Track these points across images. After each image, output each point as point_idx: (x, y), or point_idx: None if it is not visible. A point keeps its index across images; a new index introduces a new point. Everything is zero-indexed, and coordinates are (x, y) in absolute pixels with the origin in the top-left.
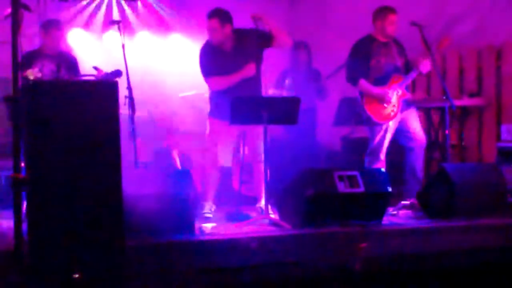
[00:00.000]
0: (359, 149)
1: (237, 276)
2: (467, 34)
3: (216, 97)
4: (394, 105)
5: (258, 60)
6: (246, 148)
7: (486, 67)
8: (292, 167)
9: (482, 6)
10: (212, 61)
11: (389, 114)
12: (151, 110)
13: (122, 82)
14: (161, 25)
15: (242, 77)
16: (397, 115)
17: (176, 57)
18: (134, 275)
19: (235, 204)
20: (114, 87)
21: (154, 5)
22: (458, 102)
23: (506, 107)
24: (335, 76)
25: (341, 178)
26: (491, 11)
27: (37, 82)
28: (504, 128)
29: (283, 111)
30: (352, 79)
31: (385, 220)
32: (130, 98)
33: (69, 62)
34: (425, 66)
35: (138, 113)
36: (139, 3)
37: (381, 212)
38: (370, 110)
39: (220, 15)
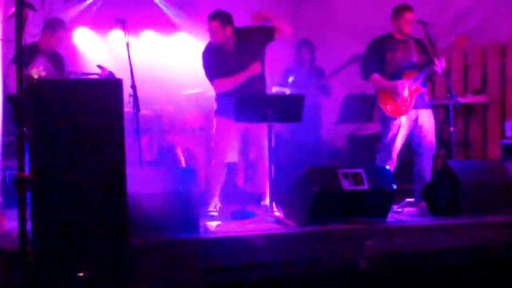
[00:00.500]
0: (364, 146)
1: (242, 274)
2: (471, 31)
3: (222, 95)
4: (405, 100)
5: (262, 57)
6: (252, 146)
7: (490, 65)
8: (296, 165)
9: (486, 4)
10: (216, 63)
11: (401, 108)
12: (155, 109)
13: (126, 81)
14: (166, 24)
15: (248, 76)
16: (410, 111)
17: (181, 55)
18: (139, 274)
19: (240, 202)
20: (118, 85)
21: (159, 3)
22: (462, 100)
23: (510, 104)
24: (338, 73)
25: (345, 175)
26: (495, 8)
27: (41, 81)
28: (508, 125)
29: (288, 109)
30: (365, 74)
31: (390, 217)
32: (135, 96)
33: (58, 60)
34: (440, 64)
35: (142, 112)
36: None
37: (386, 210)
38: (382, 104)
39: (221, 17)
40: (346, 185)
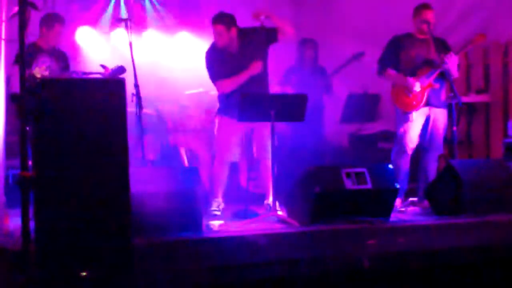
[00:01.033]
0: (367, 145)
1: (245, 273)
2: (474, 30)
3: (224, 95)
4: (417, 95)
5: (264, 57)
6: (255, 145)
7: (493, 64)
8: (299, 164)
9: (489, 3)
10: (219, 64)
11: (412, 103)
12: (158, 108)
13: (129, 80)
14: (169, 23)
15: (249, 76)
16: (422, 108)
17: (183, 55)
18: (142, 273)
19: (243, 201)
20: (121, 85)
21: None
22: (465, 99)
23: None
24: (341, 72)
25: (348, 174)
26: (497, 8)
27: (44, 80)
28: (511, 124)
29: (291, 108)
30: (380, 70)
31: (393, 216)
32: (138, 96)
33: (62, 58)
34: (451, 58)
35: (145, 111)
36: (146, 1)
37: (389, 209)
38: (395, 98)
39: (225, 20)
40: (349, 184)
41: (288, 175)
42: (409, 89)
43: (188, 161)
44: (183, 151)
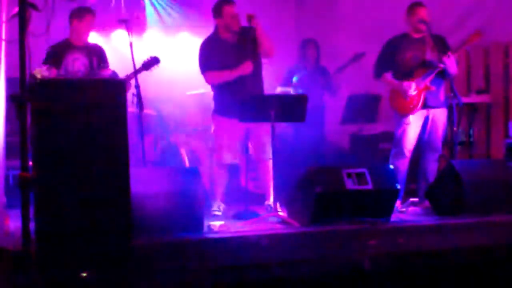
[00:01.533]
0: (367, 146)
1: (246, 274)
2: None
3: (220, 94)
4: (413, 98)
5: (258, 58)
6: (252, 145)
7: (494, 64)
8: (300, 164)
9: (489, 3)
10: (214, 54)
11: (409, 106)
12: (159, 108)
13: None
14: (170, 24)
15: (239, 75)
16: (418, 109)
17: (184, 55)
18: (142, 274)
19: (243, 202)
20: (122, 85)
21: (163, 3)
22: (466, 99)
23: None
24: (342, 72)
25: (349, 175)
26: (498, 8)
27: (44, 81)
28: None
29: (291, 109)
30: (377, 73)
31: (394, 217)
32: (138, 96)
33: (99, 54)
34: (448, 60)
35: (146, 111)
36: (147, 2)
37: (390, 209)
38: (392, 102)
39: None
40: (350, 184)
41: (289, 176)
42: (404, 93)
43: (189, 162)
44: (183, 152)
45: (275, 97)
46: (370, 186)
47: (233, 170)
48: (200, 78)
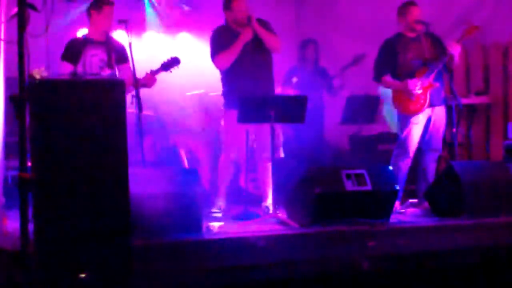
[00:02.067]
0: (367, 147)
1: (245, 275)
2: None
3: (230, 88)
4: (420, 97)
5: (267, 52)
6: (255, 145)
7: (493, 65)
8: (299, 165)
9: (489, 4)
10: (225, 41)
11: (416, 106)
12: (158, 109)
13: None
14: (169, 24)
15: (243, 43)
16: (426, 108)
17: (184, 56)
18: (141, 275)
19: (243, 202)
20: (121, 86)
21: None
22: (465, 101)
23: None
24: (342, 74)
25: (348, 176)
26: (498, 9)
27: (43, 81)
28: (511, 126)
29: (291, 109)
30: (377, 76)
31: (393, 218)
32: (137, 97)
33: (119, 50)
34: (454, 48)
35: (145, 112)
36: (147, 2)
37: (389, 210)
38: (397, 104)
39: None
40: (349, 185)
41: (288, 176)
42: (410, 93)
43: (188, 162)
44: (183, 152)
45: (274, 98)
46: (369, 187)
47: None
48: (200, 78)
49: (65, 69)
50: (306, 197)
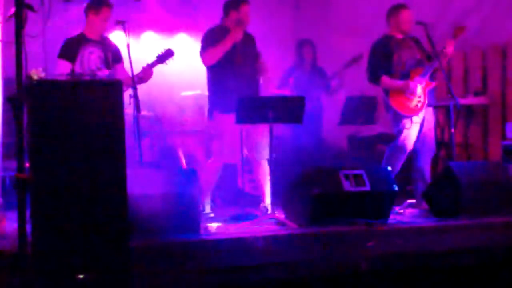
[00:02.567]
0: (365, 147)
1: (243, 275)
2: (471, 33)
3: (218, 91)
4: (420, 96)
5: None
6: (247, 146)
7: (491, 66)
8: (298, 166)
9: (486, 5)
10: (218, 38)
11: (416, 105)
12: (156, 110)
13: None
14: (167, 25)
15: (232, 42)
16: (424, 107)
17: (181, 57)
18: (139, 276)
19: (241, 203)
20: (118, 86)
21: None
22: (463, 101)
23: (511, 106)
24: (340, 75)
25: (347, 177)
26: (495, 10)
27: (41, 82)
28: (509, 126)
29: (289, 110)
30: (374, 78)
31: (391, 218)
32: (135, 97)
33: (114, 50)
34: (449, 45)
35: (143, 113)
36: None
37: (387, 211)
38: (396, 104)
39: None
40: (348, 186)
41: (287, 177)
42: (411, 93)
43: (186, 163)
44: (180, 153)
45: (272, 99)
46: (367, 188)
47: (231, 171)
48: (197, 79)
49: (62, 68)
50: (305, 198)
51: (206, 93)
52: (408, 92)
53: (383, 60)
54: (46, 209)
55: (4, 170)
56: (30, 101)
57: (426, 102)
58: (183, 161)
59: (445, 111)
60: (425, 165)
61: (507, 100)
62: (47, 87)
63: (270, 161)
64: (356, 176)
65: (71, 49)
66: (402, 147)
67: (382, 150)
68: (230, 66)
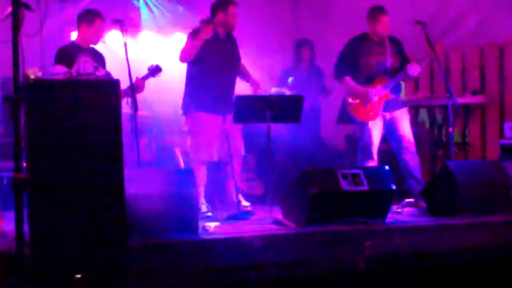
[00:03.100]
0: None
1: (241, 275)
2: (469, 32)
3: (196, 89)
4: (374, 106)
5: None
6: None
7: (489, 65)
8: (295, 165)
9: (484, 4)
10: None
11: (368, 114)
12: (153, 109)
13: (124, 81)
14: (164, 24)
15: (202, 40)
16: (378, 116)
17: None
18: (137, 275)
19: (237, 203)
20: (116, 86)
21: (157, 3)
22: (461, 100)
23: (509, 105)
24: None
25: (345, 176)
26: (493, 9)
27: (37, 82)
28: (507, 125)
29: (287, 109)
30: (338, 76)
31: (389, 218)
32: (133, 97)
33: (100, 58)
34: (414, 70)
35: (140, 112)
36: (142, 2)
37: (385, 210)
38: (351, 108)
39: None
40: (345, 185)
41: (284, 176)
42: (368, 100)
43: (184, 162)
44: (178, 152)
45: (271, 98)
46: (365, 187)
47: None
48: None
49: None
50: (303, 197)
51: None
52: (364, 99)
53: (351, 60)
54: (43, 209)
55: (1, 170)
56: (27, 100)
57: (380, 111)
58: (181, 160)
59: (443, 110)
60: (408, 161)
61: (505, 99)
62: (44, 87)
63: (269, 161)
64: (354, 175)
65: (67, 56)
66: (367, 151)
67: (380, 149)
68: (209, 65)
